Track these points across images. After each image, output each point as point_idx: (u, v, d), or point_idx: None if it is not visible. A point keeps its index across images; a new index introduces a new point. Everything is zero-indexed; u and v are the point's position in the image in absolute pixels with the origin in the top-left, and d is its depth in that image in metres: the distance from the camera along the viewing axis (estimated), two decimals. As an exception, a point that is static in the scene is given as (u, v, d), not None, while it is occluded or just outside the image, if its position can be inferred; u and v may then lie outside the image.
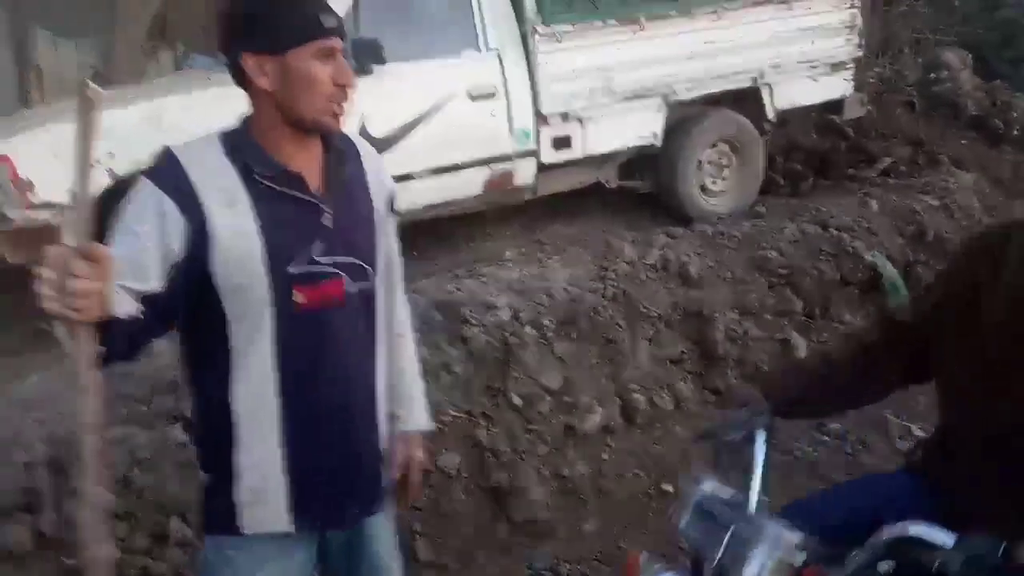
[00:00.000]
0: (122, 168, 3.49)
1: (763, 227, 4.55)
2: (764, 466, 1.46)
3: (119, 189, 3.46)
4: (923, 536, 1.19)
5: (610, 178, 5.01)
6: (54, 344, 3.87)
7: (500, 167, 4.44)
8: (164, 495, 2.58)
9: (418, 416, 1.72)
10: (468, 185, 4.39)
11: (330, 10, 1.39)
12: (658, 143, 4.90)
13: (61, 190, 3.41)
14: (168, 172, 1.36)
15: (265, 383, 1.42)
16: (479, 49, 4.36)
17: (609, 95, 4.67)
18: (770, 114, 5.23)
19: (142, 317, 1.26)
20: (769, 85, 5.15)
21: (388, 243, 1.61)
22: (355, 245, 1.47)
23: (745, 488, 1.43)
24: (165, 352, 2.68)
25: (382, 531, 1.66)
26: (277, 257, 1.37)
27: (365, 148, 1.58)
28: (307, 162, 1.43)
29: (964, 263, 1.58)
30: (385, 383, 1.60)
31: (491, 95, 4.34)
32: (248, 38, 1.36)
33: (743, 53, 5.00)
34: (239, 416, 1.44)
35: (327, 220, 1.42)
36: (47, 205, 3.40)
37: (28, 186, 3.36)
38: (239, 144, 1.40)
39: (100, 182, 3.48)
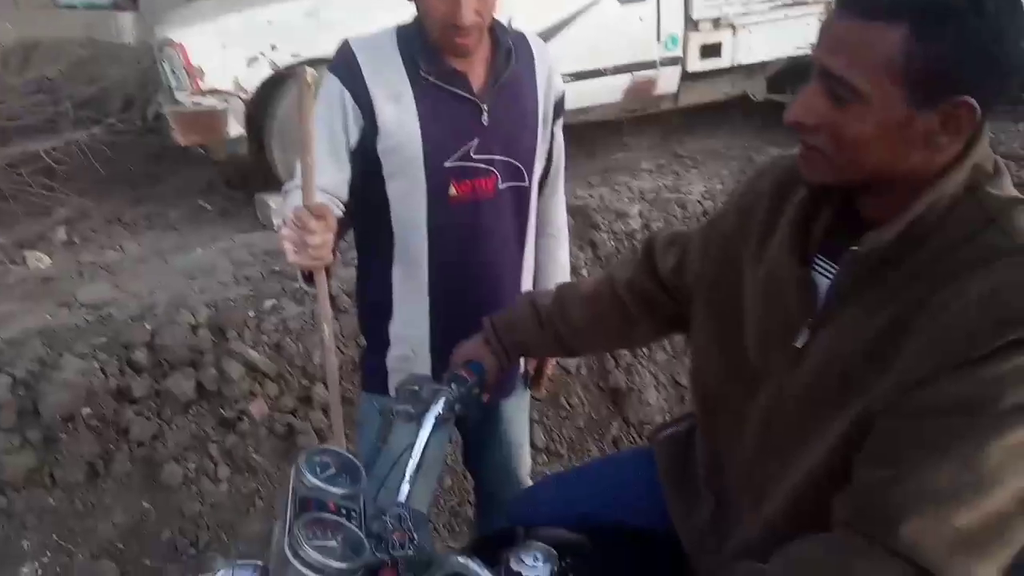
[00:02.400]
0: (283, 60, 3.67)
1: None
2: (425, 451, 1.15)
3: (278, 79, 3.67)
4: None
5: (758, 91, 4.81)
6: (212, 221, 4.17)
7: (643, 74, 4.34)
8: (310, 363, 2.82)
9: None
10: (608, 92, 4.33)
11: None
12: (815, 54, 4.64)
13: (227, 78, 3.66)
14: (345, 66, 1.45)
15: (419, 265, 1.54)
16: (632, -50, 4.22)
17: (769, 1, 4.44)
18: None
19: (342, 214, 1.43)
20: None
21: (552, 144, 1.65)
22: (512, 144, 1.52)
23: (394, 475, 1.12)
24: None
25: (516, 413, 1.80)
26: (435, 150, 1.46)
27: (539, 47, 1.58)
28: (473, 60, 1.47)
29: (744, 204, 1.11)
30: (531, 279, 1.70)
31: (641, -1, 4.22)
32: None
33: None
34: (395, 293, 1.59)
35: (485, 119, 1.48)
36: (214, 92, 3.64)
37: (199, 73, 3.60)
38: (410, 40, 1.46)
39: (262, 72, 3.69)
